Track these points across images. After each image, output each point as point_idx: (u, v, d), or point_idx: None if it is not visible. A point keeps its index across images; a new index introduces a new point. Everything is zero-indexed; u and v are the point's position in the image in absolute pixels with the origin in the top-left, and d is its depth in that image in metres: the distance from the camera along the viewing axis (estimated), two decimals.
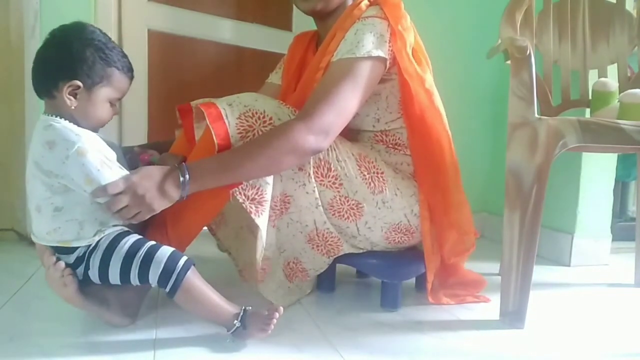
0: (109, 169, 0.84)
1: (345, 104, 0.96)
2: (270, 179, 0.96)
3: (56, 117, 0.87)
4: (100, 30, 0.91)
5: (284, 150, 0.90)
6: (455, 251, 1.15)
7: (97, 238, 0.87)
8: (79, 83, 0.86)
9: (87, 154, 0.83)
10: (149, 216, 0.88)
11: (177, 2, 1.87)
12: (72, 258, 0.88)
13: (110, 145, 0.92)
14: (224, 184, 0.91)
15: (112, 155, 0.89)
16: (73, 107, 0.87)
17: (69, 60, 0.86)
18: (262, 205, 0.95)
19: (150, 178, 0.86)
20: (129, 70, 0.93)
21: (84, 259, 0.88)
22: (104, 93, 0.89)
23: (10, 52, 1.54)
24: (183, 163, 0.89)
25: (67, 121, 0.87)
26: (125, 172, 0.87)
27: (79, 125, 0.87)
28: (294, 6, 1.17)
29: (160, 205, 0.87)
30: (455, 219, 1.10)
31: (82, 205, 0.86)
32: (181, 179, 0.86)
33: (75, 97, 0.87)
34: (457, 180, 1.11)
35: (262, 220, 0.95)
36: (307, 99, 0.99)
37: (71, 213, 0.86)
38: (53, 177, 0.84)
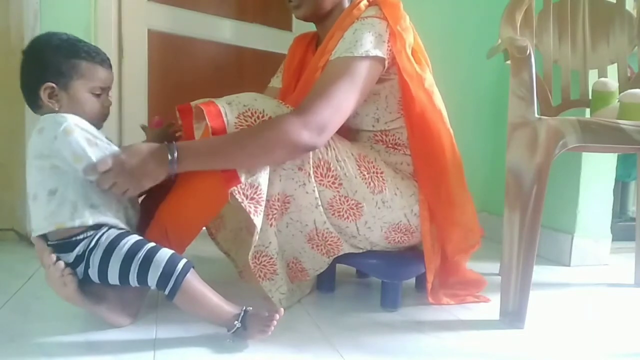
0: (96, 146, 0.86)
1: (342, 102, 0.96)
2: (267, 178, 0.96)
3: None
4: (67, 35, 0.94)
5: (274, 141, 0.91)
6: (460, 248, 1.14)
7: (91, 221, 0.87)
8: (51, 84, 0.90)
9: (74, 132, 0.85)
10: (137, 193, 0.90)
11: (177, 2, 1.87)
12: (72, 257, 0.88)
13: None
14: (213, 168, 0.91)
15: (100, 134, 0.91)
16: (57, 109, 0.90)
17: (37, 68, 0.91)
18: (260, 205, 0.94)
19: (138, 155, 0.87)
20: (97, 56, 0.94)
21: (83, 258, 0.88)
22: (80, 86, 0.92)
23: (10, 53, 1.54)
24: (173, 142, 0.90)
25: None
26: (114, 147, 0.89)
27: None
28: None
29: (147, 182, 0.89)
30: (459, 217, 1.10)
31: (74, 186, 0.87)
32: (169, 157, 0.87)
33: (55, 99, 0.91)
34: (460, 179, 1.11)
35: (259, 220, 0.95)
36: None
37: (64, 195, 0.87)
38: (45, 159, 0.87)
